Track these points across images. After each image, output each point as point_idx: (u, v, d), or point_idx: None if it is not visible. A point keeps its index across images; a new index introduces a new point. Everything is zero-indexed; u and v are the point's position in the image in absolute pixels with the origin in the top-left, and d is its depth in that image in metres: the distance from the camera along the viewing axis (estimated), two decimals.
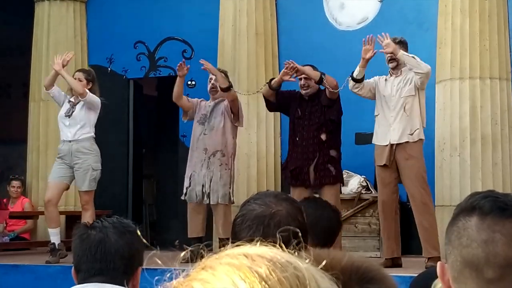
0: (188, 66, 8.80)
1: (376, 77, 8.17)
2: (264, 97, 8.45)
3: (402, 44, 8.00)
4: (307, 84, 8.23)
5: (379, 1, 10.10)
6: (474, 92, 8.86)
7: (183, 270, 1.10)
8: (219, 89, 8.66)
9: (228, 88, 8.55)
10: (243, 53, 10.10)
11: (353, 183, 9.52)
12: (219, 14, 10.33)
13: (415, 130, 7.80)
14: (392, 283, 1.29)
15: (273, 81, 8.34)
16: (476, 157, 8.73)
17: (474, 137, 8.76)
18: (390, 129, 7.85)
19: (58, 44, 11.24)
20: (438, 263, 1.75)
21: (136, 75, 11.49)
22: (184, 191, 8.69)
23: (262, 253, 1.02)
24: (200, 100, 9.03)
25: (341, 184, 8.50)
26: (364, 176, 9.61)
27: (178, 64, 8.80)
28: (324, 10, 10.36)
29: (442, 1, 9.18)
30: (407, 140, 7.78)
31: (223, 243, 7.95)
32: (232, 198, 8.63)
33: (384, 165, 7.81)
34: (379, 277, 1.28)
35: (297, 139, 8.21)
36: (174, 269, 1.11)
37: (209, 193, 8.54)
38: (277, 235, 1.13)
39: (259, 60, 10.17)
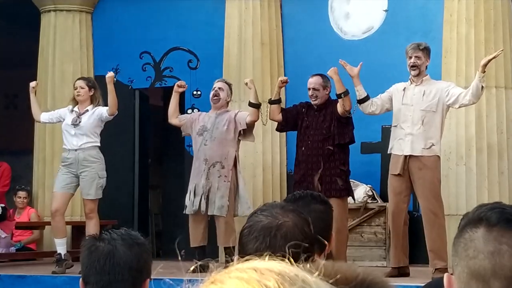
0: (186, 86, 8.80)
1: (393, 87, 8.09)
2: (271, 119, 8.54)
3: (427, 50, 7.95)
4: (315, 95, 8.24)
5: (384, 10, 10.11)
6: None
7: (192, 282, 1.11)
8: (227, 100, 8.72)
9: (258, 106, 8.57)
10: (249, 62, 10.12)
11: (359, 192, 9.51)
12: (225, 24, 10.35)
13: (431, 146, 7.72)
14: None
15: (273, 97, 8.44)
16: (482, 166, 8.72)
17: (480, 146, 8.76)
18: (405, 140, 7.79)
19: (64, 54, 11.27)
20: (445, 274, 1.76)
21: (141, 86, 11.51)
22: (187, 204, 8.66)
23: (271, 267, 1.03)
24: (199, 113, 9.02)
25: (352, 197, 8.45)
26: (370, 186, 9.60)
27: (177, 84, 8.82)
28: (329, 19, 10.38)
29: (447, 10, 9.19)
30: (421, 154, 7.74)
31: (227, 251, 7.94)
32: (236, 210, 8.60)
33: (398, 174, 7.77)
34: None
35: (303, 148, 8.22)
36: (184, 280, 1.12)
37: (207, 204, 8.54)
38: (286, 249, 1.13)
39: (264, 69, 10.18)
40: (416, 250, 8.79)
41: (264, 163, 9.98)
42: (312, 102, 8.28)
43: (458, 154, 8.80)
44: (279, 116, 8.48)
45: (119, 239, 2.95)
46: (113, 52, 11.44)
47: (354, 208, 9.33)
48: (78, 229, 10.43)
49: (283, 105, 10.13)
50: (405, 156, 7.74)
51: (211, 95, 8.83)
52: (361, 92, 8.03)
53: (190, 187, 8.69)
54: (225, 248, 8.21)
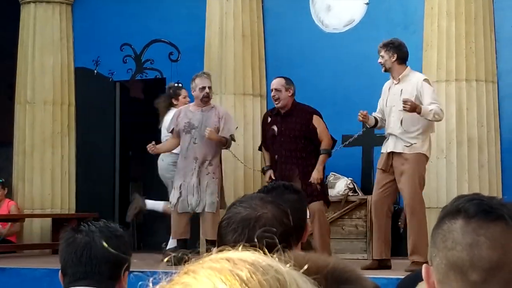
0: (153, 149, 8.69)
1: (383, 88, 8.08)
2: None
3: (388, 46, 7.89)
4: (277, 96, 8.23)
5: (365, 3, 10.11)
6: (460, 94, 8.89)
7: (167, 274, 1.11)
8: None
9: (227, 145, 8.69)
10: (230, 55, 10.10)
11: (340, 185, 9.52)
12: (206, 16, 10.33)
13: (411, 144, 7.72)
14: (367, 283, 1.29)
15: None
16: (462, 159, 8.76)
17: (461, 140, 8.79)
18: (389, 139, 7.84)
19: (44, 46, 11.22)
20: (424, 265, 1.75)
21: (122, 78, 11.47)
22: (174, 201, 8.62)
23: (244, 257, 1.03)
24: (179, 110, 8.89)
25: (327, 204, 8.41)
26: (351, 178, 9.62)
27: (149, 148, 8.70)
28: (311, 12, 10.37)
29: (428, 3, 9.21)
30: (403, 151, 7.76)
31: (208, 247, 7.95)
32: (223, 204, 8.61)
33: (383, 169, 7.83)
34: (354, 278, 1.29)
35: (276, 156, 8.24)
36: (159, 272, 1.11)
37: (198, 202, 8.54)
38: (260, 236, 1.13)
39: (245, 62, 10.17)
40: (399, 243, 8.82)
41: (245, 155, 9.97)
42: (275, 104, 8.28)
43: (439, 148, 8.83)
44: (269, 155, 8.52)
45: (97, 231, 2.94)
46: (93, 44, 11.39)
47: (335, 201, 9.33)
48: (58, 222, 10.40)
49: (264, 98, 10.16)
50: (389, 153, 7.77)
51: (201, 96, 8.66)
52: (371, 121, 7.97)
53: (176, 184, 8.64)
54: (211, 241, 8.20)
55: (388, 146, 7.81)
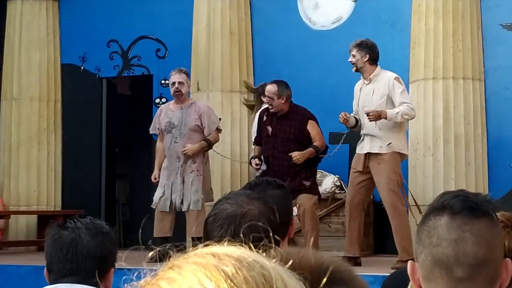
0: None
1: (354, 89, 8.10)
2: None
3: (360, 46, 7.91)
4: (270, 103, 8.25)
5: (353, 1, 10.12)
6: (447, 92, 8.91)
7: (152, 270, 1.10)
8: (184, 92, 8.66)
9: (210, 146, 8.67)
10: (217, 52, 10.09)
11: (327, 182, 9.53)
12: (193, 12, 10.31)
13: (389, 144, 7.75)
14: (361, 284, 1.28)
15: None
16: (449, 157, 8.78)
17: (447, 137, 8.81)
18: (365, 140, 7.85)
19: (31, 42, 11.17)
20: (409, 262, 1.75)
21: (109, 74, 11.43)
22: (156, 200, 8.61)
23: (230, 252, 1.02)
24: (160, 109, 8.88)
25: (318, 197, 8.43)
26: (338, 176, 9.62)
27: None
28: (299, 9, 10.37)
29: (415, 1, 9.23)
30: (380, 152, 7.78)
31: (194, 242, 7.96)
32: (212, 196, 8.62)
33: (359, 171, 7.84)
34: (348, 278, 1.27)
35: (269, 157, 8.25)
36: (143, 269, 1.11)
37: (182, 200, 8.53)
38: (246, 232, 1.12)
39: (233, 59, 10.16)
40: (383, 241, 8.84)
41: (232, 152, 9.97)
42: (270, 108, 8.32)
43: (426, 145, 8.84)
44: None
45: (83, 228, 2.94)
46: (80, 40, 11.35)
47: (322, 198, 9.33)
48: (43, 219, 10.36)
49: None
50: (365, 154, 7.79)
51: (172, 91, 8.66)
52: (351, 122, 7.98)
53: (161, 183, 8.62)
54: (192, 238, 8.18)
55: (364, 147, 7.83)
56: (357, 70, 7.90)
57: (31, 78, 11.11)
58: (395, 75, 7.87)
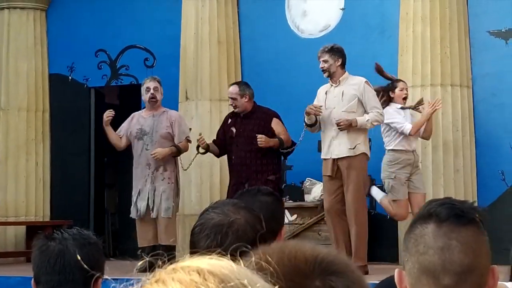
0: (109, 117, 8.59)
1: (318, 92, 8.11)
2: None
3: (333, 51, 7.95)
4: (234, 104, 8.33)
5: (341, 8, 10.13)
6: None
7: (140, 280, 1.09)
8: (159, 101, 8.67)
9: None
10: (205, 60, 10.08)
11: (316, 190, 9.52)
12: (181, 21, 10.30)
13: (356, 145, 7.79)
14: (357, 276, 1.26)
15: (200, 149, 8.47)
16: (437, 163, 8.79)
17: (436, 144, 8.83)
18: (332, 144, 7.87)
19: (18, 52, 11.14)
20: (396, 270, 1.75)
21: (97, 84, 11.41)
22: (132, 209, 8.65)
23: (216, 271, 1.01)
24: (131, 116, 8.86)
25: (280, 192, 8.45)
26: None
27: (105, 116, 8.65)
28: (287, 18, 10.38)
29: (403, 8, 9.24)
30: (348, 155, 7.80)
31: (168, 249, 7.90)
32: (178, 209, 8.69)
33: (330, 176, 7.86)
34: (343, 270, 1.25)
35: (233, 157, 8.28)
36: (131, 279, 1.10)
37: (152, 207, 8.51)
38: (234, 248, 1.12)
39: (221, 67, 10.15)
40: (373, 248, 8.83)
41: (221, 162, 9.95)
42: (234, 110, 8.39)
43: None
44: (216, 149, 8.54)
45: (70, 238, 2.93)
46: (68, 50, 11.33)
47: (311, 206, 9.34)
48: (32, 229, 10.32)
49: None
50: (333, 159, 7.81)
51: (147, 97, 8.64)
52: (311, 118, 8.00)
53: (134, 191, 8.63)
54: (165, 246, 8.18)
55: (333, 152, 7.85)
56: (329, 76, 7.93)
57: (19, 88, 11.08)
58: (365, 79, 7.96)
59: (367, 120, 7.72)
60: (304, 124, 8.07)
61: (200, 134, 8.58)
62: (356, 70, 9.27)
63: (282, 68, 10.12)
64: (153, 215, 8.51)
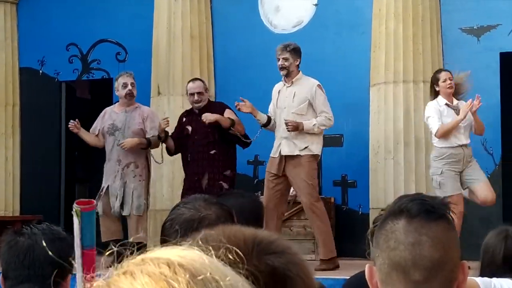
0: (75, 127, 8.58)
1: (273, 90, 8.17)
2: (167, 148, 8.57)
3: (294, 51, 7.99)
4: (200, 99, 8.35)
5: (314, 4, 10.14)
6: (407, 95, 8.95)
7: (107, 273, 1.07)
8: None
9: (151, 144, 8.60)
10: (178, 56, 10.05)
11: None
12: (154, 16, 10.26)
13: (305, 147, 7.84)
14: (297, 258, 1.26)
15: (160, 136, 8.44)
16: (410, 160, 8.82)
17: (408, 140, 8.86)
18: (282, 143, 7.91)
19: None
20: (367, 265, 1.75)
21: (68, 78, 11.34)
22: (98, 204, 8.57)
23: (186, 264, 0.99)
24: (104, 112, 8.80)
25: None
26: None
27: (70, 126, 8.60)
28: (260, 13, 10.37)
29: (376, 4, 9.27)
30: (298, 154, 7.84)
31: (131, 249, 7.99)
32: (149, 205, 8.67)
33: (275, 174, 7.91)
34: (282, 250, 1.26)
35: (189, 154, 8.28)
36: (100, 274, 1.08)
37: (122, 204, 8.45)
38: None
39: (194, 63, 10.12)
40: (344, 244, 8.86)
41: None
42: (195, 107, 8.38)
43: (386, 149, 8.88)
44: (171, 144, 8.51)
45: (39, 234, 2.93)
46: (39, 43, 11.24)
47: None
48: (1, 224, 10.23)
49: (212, 99, 10.11)
50: (282, 157, 7.86)
51: (124, 92, 8.59)
52: (261, 118, 8.05)
53: (103, 186, 8.55)
54: (136, 243, 8.14)
55: (282, 150, 7.88)
56: (287, 74, 7.96)
57: None
58: (317, 82, 8.04)
59: (314, 125, 7.82)
60: (260, 124, 8.12)
61: (165, 118, 8.48)
62: (329, 66, 9.31)
63: (255, 64, 10.11)
64: (124, 212, 8.45)
